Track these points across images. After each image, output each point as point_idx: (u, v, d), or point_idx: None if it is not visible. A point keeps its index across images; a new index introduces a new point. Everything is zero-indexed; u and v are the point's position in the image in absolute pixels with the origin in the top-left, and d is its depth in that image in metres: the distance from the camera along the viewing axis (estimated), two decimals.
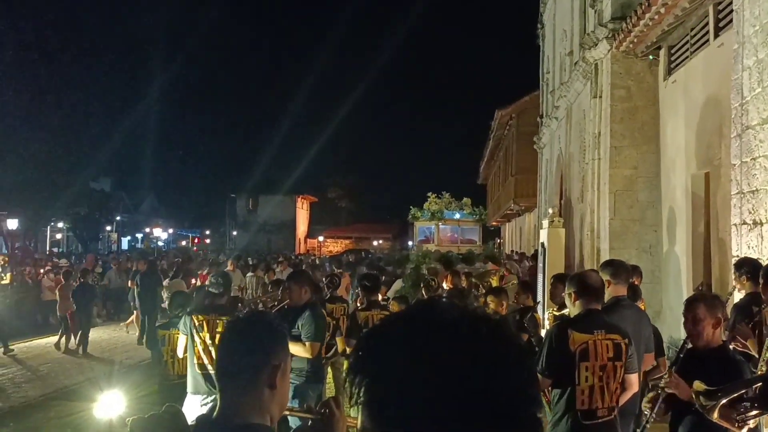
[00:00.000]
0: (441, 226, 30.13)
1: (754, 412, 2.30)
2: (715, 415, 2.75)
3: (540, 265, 13.60)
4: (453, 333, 0.95)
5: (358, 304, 7.78)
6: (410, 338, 0.96)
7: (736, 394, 2.50)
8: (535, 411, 0.96)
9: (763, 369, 4.19)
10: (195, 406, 5.72)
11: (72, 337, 14.87)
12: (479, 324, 0.98)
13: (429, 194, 30.42)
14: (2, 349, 14.16)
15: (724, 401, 2.58)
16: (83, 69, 35.52)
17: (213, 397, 5.78)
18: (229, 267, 15.99)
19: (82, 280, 15.51)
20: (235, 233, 64.83)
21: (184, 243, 68.26)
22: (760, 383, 2.18)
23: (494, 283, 13.20)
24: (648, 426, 3.96)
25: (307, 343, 6.00)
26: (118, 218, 61.14)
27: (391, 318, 1.05)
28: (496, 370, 0.93)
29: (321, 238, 63.56)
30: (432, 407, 0.90)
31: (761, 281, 4.89)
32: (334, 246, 61.37)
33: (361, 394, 0.97)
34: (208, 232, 73.67)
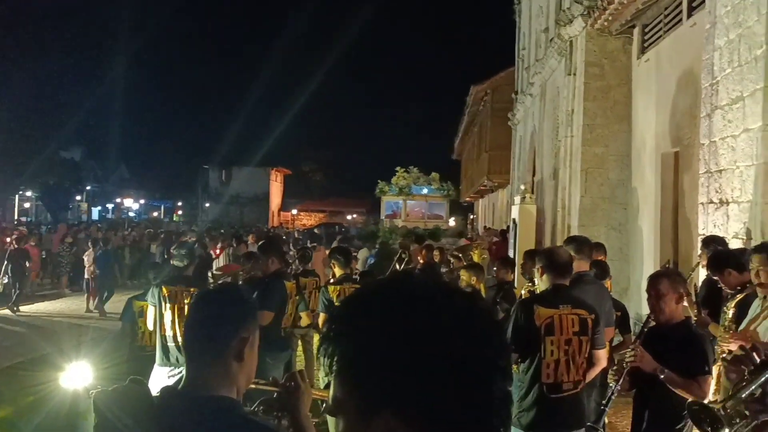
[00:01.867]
0: (409, 202, 29.54)
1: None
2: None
3: (511, 240, 13.72)
4: (428, 305, 0.96)
5: (331, 278, 7.78)
6: (386, 308, 0.96)
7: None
8: (506, 384, 0.98)
9: (724, 334, 4.28)
10: (162, 378, 5.71)
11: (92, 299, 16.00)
12: (454, 297, 0.98)
13: (397, 168, 29.81)
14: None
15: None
16: (54, 37, 34.83)
17: (181, 369, 5.77)
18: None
19: (104, 247, 17.08)
20: (207, 205, 64.34)
21: (156, 214, 67.67)
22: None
23: (475, 257, 13.25)
24: (613, 398, 4.04)
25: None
26: (88, 188, 60.31)
27: (368, 288, 1.05)
28: (468, 343, 0.94)
29: (295, 212, 63.38)
30: (404, 377, 0.91)
31: (711, 266, 5.02)
32: (308, 219, 61.20)
33: (334, 362, 0.97)
34: (180, 204, 73.07)
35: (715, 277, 5.07)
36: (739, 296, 4.60)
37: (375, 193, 31.33)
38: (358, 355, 0.95)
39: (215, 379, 2.01)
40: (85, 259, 17.07)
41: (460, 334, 0.94)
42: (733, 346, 4.15)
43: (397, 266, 10.45)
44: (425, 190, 29.13)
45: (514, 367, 4.61)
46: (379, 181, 30.71)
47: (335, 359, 0.97)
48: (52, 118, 37.00)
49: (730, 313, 4.53)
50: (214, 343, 2.04)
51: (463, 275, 7.05)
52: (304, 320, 7.53)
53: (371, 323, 0.95)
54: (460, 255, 12.33)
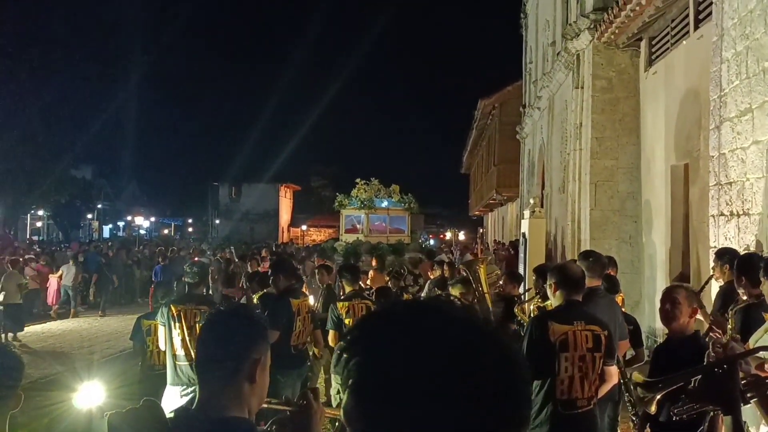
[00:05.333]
0: (371, 216, 27.82)
1: (690, 406, 2.26)
2: (653, 408, 2.73)
3: (521, 255, 13.67)
4: (462, 340, 0.95)
5: (341, 294, 7.76)
6: (419, 331, 0.95)
7: (674, 387, 2.46)
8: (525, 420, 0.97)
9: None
10: (174, 398, 5.71)
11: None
12: (488, 340, 0.97)
13: (357, 180, 28.43)
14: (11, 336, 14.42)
15: (659, 396, 2.54)
16: (64, 56, 35.07)
17: (192, 388, 5.76)
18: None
19: (164, 261, 18.47)
20: (217, 222, 64.51)
21: (166, 231, 67.87)
22: (700, 376, 2.16)
23: (482, 271, 13.16)
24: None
25: None
26: (99, 206, 60.64)
27: (399, 306, 1.03)
28: (495, 390, 0.93)
29: (304, 227, 63.41)
30: (423, 402, 0.90)
31: (735, 272, 4.95)
32: (318, 235, 61.22)
33: (351, 373, 0.96)
34: (190, 221, 73.28)
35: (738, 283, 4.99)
36: (740, 305, 4.59)
37: (333, 206, 29.58)
38: (368, 372, 0.94)
39: (227, 400, 2.03)
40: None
41: (487, 379, 0.93)
42: None
43: (390, 284, 10.38)
44: (385, 203, 27.63)
45: None
46: (337, 194, 29.28)
47: (348, 371, 0.96)
48: (63, 137, 37.23)
49: (732, 322, 4.52)
50: (226, 365, 2.07)
51: (452, 290, 7.01)
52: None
53: (399, 341, 0.94)
54: (467, 271, 12.28)
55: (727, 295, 5.53)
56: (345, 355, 0.98)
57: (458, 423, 0.90)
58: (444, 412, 0.90)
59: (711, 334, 4.60)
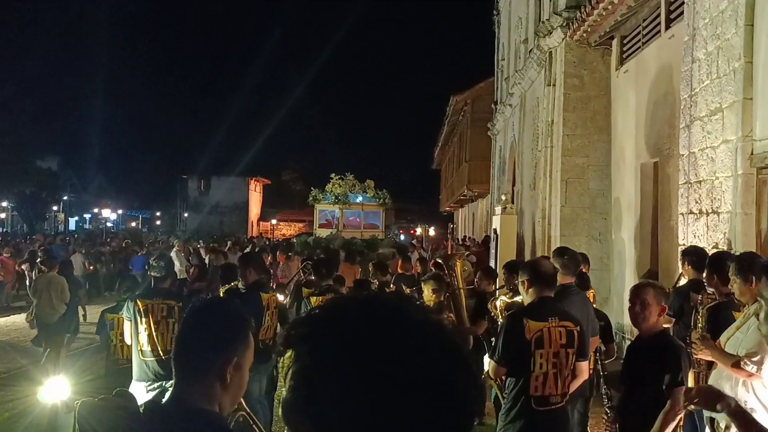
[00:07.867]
0: (345, 211, 27.30)
1: None
2: None
3: (492, 251, 13.74)
4: (416, 341, 0.94)
5: (313, 289, 7.71)
6: (372, 329, 0.94)
7: None
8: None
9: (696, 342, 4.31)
10: (140, 393, 5.61)
11: None
12: (442, 341, 0.96)
13: (332, 175, 27.87)
14: None
15: None
16: (31, 45, 34.45)
17: (159, 383, 5.67)
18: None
19: (142, 252, 20.32)
20: (186, 215, 63.91)
21: (134, 224, 67.09)
22: None
23: (458, 266, 13.21)
24: None
25: None
26: (65, 198, 59.70)
27: (358, 302, 1.01)
28: (445, 391, 0.92)
29: (274, 221, 63.07)
30: (373, 401, 0.89)
31: (706, 270, 5.00)
32: (288, 229, 60.91)
33: (298, 369, 0.94)
34: (158, 214, 72.52)
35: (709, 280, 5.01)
36: (709, 305, 4.63)
37: (306, 200, 29.06)
38: (317, 368, 0.93)
39: (199, 395, 2.03)
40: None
41: (437, 383, 0.92)
42: (701, 356, 4.19)
43: (381, 277, 10.37)
44: (360, 198, 27.11)
45: (491, 382, 4.58)
46: (312, 188, 28.78)
47: (295, 365, 0.95)
48: (29, 127, 36.61)
49: (702, 320, 4.56)
50: (200, 363, 2.05)
51: (425, 287, 7.00)
52: None
53: (340, 340, 0.93)
54: (443, 264, 12.28)
55: (684, 293, 5.56)
56: (292, 349, 0.96)
57: (406, 421, 0.90)
58: (394, 410, 0.89)
59: (699, 355, 4.58)
